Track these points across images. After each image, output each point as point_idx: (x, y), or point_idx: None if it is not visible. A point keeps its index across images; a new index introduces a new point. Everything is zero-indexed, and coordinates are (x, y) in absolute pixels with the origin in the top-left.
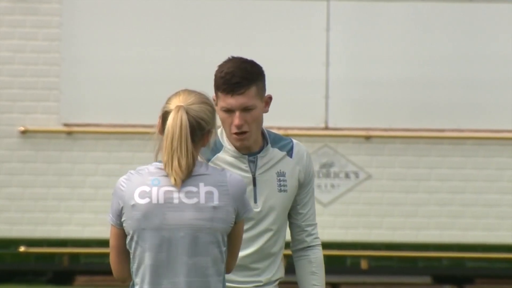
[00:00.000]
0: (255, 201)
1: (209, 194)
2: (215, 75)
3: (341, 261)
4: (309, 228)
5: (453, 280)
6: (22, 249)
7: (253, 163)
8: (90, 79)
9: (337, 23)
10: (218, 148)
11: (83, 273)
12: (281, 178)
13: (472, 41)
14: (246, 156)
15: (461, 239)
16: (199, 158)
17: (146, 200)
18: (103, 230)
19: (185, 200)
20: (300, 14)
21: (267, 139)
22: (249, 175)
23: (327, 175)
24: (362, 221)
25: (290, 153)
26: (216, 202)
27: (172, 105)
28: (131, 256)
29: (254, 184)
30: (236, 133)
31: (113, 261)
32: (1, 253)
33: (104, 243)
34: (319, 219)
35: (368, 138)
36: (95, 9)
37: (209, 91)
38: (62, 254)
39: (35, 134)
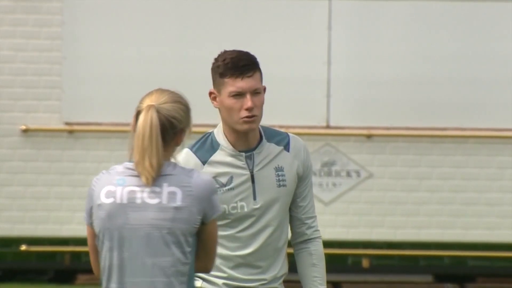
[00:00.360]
0: (254, 198)
1: (172, 195)
2: (217, 65)
3: (342, 260)
4: (309, 221)
5: (455, 279)
6: (23, 247)
7: (250, 159)
8: (91, 78)
9: (339, 22)
10: (214, 147)
11: (85, 272)
12: (280, 173)
13: (474, 40)
14: (243, 154)
15: (463, 237)
16: (172, 158)
17: (111, 200)
18: None
19: (148, 200)
20: (301, 13)
21: (262, 134)
22: (247, 173)
23: (329, 174)
24: (364, 220)
25: (287, 147)
26: (178, 202)
27: (144, 105)
28: (99, 255)
29: (253, 181)
30: (247, 117)
31: (91, 260)
32: (2, 252)
33: None
34: (320, 218)
35: (369, 136)
36: (96, 7)
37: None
38: (63, 253)
39: (36, 133)
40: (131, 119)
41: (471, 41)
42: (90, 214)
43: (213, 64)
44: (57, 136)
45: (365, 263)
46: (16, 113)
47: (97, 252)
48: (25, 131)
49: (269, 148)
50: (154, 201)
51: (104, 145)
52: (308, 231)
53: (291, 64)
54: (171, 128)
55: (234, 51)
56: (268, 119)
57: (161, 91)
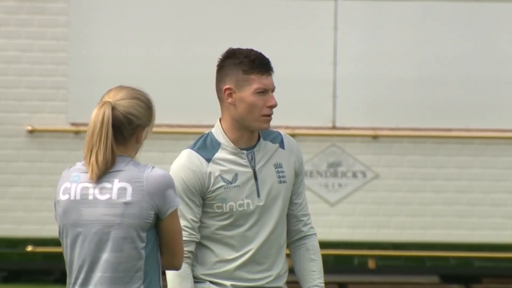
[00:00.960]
0: (258, 195)
1: (122, 190)
2: (239, 61)
3: (348, 260)
4: (304, 218)
5: (461, 280)
6: (29, 248)
7: (251, 157)
8: (97, 79)
9: (345, 22)
10: (215, 147)
11: None
12: (279, 169)
13: (480, 41)
14: (245, 152)
15: (468, 238)
16: (133, 155)
17: (66, 197)
18: None
19: (99, 196)
20: (307, 13)
21: (259, 133)
22: (250, 170)
23: (335, 175)
24: (370, 221)
25: (282, 144)
26: (128, 198)
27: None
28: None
29: (256, 178)
30: (269, 115)
31: None
32: (8, 253)
33: None
34: (326, 218)
35: (375, 137)
36: (102, 8)
37: (214, 90)
38: None
39: (42, 133)
40: None
41: (478, 42)
42: (54, 211)
43: (227, 60)
44: (63, 137)
45: (371, 263)
46: (21, 114)
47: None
48: (31, 131)
49: (266, 146)
50: (105, 197)
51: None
52: (305, 228)
53: (297, 64)
54: (128, 124)
55: (247, 49)
56: (273, 120)
57: (120, 87)
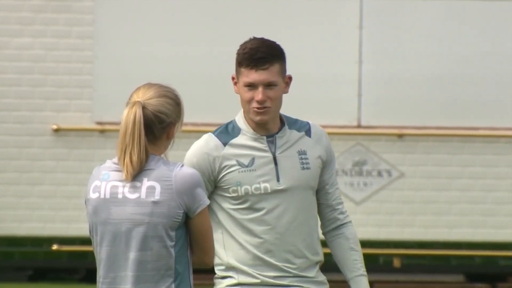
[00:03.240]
0: (278, 180)
1: (150, 189)
2: (237, 53)
3: (374, 259)
4: (340, 206)
5: (486, 278)
6: (55, 247)
7: (272, 143)
8: (122, 77)
9: (370, 21)
10: (236, 132)
11: None
12: (303, 156)
13: (504, 39)
14: (264, 137)
15: (494, 237)
16: (164, 153)
17: (96, 195)
18: None
19: (128, 195)
20: (332, 12)
21: (284, 121)
22: (269, 155)
23: (360, 173)
24: (395, 219)
25: (308, 133)
26: (157, 197)
27: (131, 101)
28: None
29: (276, 163)
30: (257, 108)
31: None
32: (34, 251)
33: None
34: (351, 217)
35: (400, 136)
36: (127, 6)
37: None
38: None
39: (68, 132)
40: None
41: (503, 40)
42: (86, 209)
43: (238, 49)
44: (88, 136)
45: (396, 262)
46: (47, 113)
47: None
48: (57, 130)
49: (291, 134)
50: (134, 196)
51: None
52: (341, 216)
53: (322, 63)
54: (159, 123)
55: (257, 40)
56: (298, 118)
57: (148, 85)
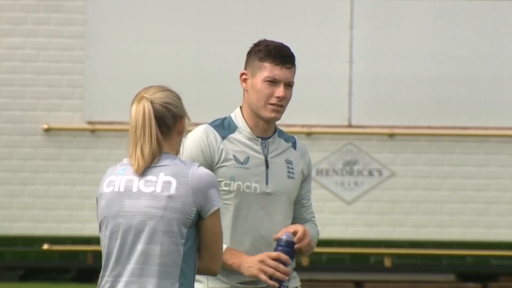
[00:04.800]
0: (266, 183)
1: (166, 184)
2: (258, 49)
3: (364, 259)
4: (313, 219)
5: (477, 278)
6: (46, 246)
7: (265, 146)
8: (114, 77)
9: (361, 21)
10: (232, 129)
11: None
12: (289, 165)
13: (496, 38)
14: (259, 139)
15: (485, 236)
16: (176, 150)
17: (110, 189)
18: None
19: (143, 189)
20: (324, 12)
21: (276, 128)
22: (262, 157)
23: (351, 173)
24: (386, 219)
25: (294, 145)
26: (172, 191)
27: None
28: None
29: (267, 166)
30: (275, 104)
31: None
32: (25, 251)
33: None
34: (342, 217)
35: (391, 135)
36: (118, 6)
37: (232, 88)
38: (86, 252)
39: (59, 131)
40: None
41: (493, 40)
42: (96, 207)
43: (253, 48)
44: (80, 135)
45: (387, 262)
46: (38, 112)
47: None
48: (48, 130)
49: (280, 142)
50: (149, 189)
51: (126, 144)
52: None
53: (313, 62)
54: (169, 112)
55: (277, 41)
56: (289, 118)
57: (148, 87)
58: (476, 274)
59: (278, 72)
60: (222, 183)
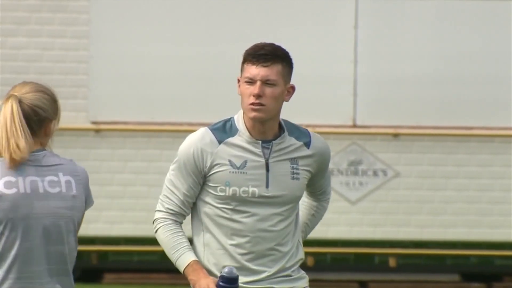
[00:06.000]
0: (267, 186)
1: (68, 183)
2: (244, 53)
3: (369, 259)
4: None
5: (482, 278)
6: None
7: (267, 149)
8: (118, 77)
9: (365, 21)
10: (233, 132)
11: (112, 271)
12: (294, 166)
13: (500, 39)
14: (260, 142)
15: (489, 236)
16: (48, 148)
17: (14, 190)
18: (131, 227)
19: (49, 189)
20: (328, 12)
21: (284, 128)
22: (262, 160)
23: (355, 173)
24: (390, 219)
25: (307, 144)
26: (75, 191)
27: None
28: None
29: (267, 169)
30: (252, 103)
31: None
32: None
33: (132, 240)
34: (347, 217)
35: (396, 135)
36: (123, 6)
37: (233, 88)
38: (90, 252)
39: (63, 131)
40: (158, 118)
41: (497, 40)
42: None
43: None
44: (84, 135)
45: (391, 262)
46: None
47: None
48: None
49: (290, 141)
50: (55, 190)
51: (131, 143)
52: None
53: (318, 63)
54: (36, 117)
55: (268, 42)
56: (294, 118)
57: (24, 83)
58: (480, 274)
59: (253, 71)
60: (218, 189)
